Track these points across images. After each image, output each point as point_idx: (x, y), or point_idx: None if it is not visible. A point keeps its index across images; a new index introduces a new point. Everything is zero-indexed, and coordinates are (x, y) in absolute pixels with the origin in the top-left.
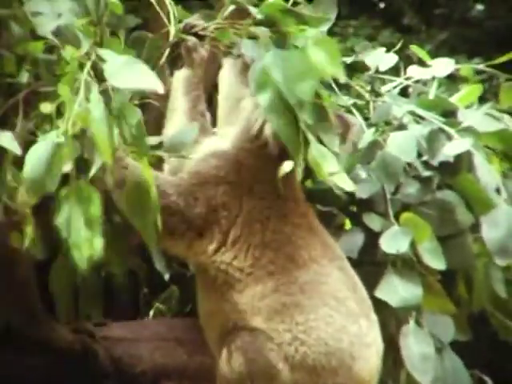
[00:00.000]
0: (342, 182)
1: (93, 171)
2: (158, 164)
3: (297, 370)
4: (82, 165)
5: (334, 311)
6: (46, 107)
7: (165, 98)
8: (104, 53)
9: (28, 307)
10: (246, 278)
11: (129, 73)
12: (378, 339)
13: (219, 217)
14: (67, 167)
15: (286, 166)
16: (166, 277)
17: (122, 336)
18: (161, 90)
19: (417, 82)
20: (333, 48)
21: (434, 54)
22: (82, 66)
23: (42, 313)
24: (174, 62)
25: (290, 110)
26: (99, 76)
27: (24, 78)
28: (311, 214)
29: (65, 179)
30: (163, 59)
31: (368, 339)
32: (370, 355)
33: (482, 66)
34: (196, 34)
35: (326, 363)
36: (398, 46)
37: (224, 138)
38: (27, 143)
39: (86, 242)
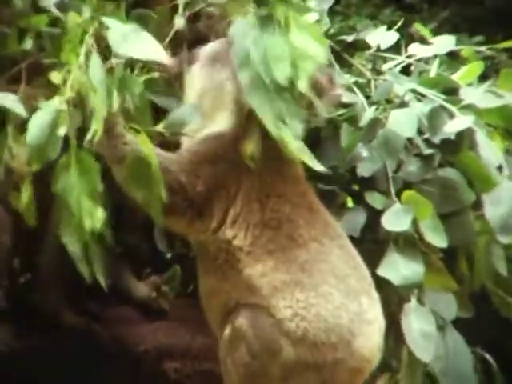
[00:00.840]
0: (309, 160)
1: (88, 136)
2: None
3: (298, 345)
4: (84, 135)
5: (334, 289)
6: (56, 77)
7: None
8: (107, 20)
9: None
10: (245, 257)
11: (134, 41)
12: (379, 317)
13: (219, 195)
14: (63, 131)
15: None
16: (168, 256)
17: (124, 316)
18: (166, 60)
19: (418, 60)
20: (316, 32)
21: (435, 33)
22: (85, 34)
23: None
24: (178, 43)
25: (269, 90)
26: (102, 47)
27: (28, 45)
28: (311, 193)
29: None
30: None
31: (369, 316)
32: (371, 332)
33: (483, 48)
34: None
35: (326, 339)
36: (399, 24)
37: (218, 123)
38: (30, 110)
39: (87, 214)
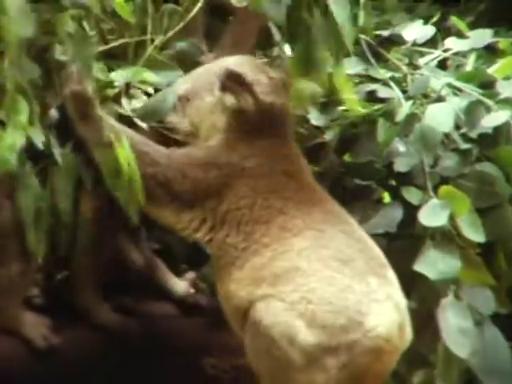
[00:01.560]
0: None
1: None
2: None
3: (311, 327)
4: None
5: (337, 273)
6: None
7: None
8: None
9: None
10: (242, 254)
11: None
12: (394, 295)
13: (208, 196)
14: None
15: None
16: (205, 252)
17: (161, 312)
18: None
19: (455, 54)
20: None
21: (472, 26)
22: None
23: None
24: (211, 34)
25: None
26: None
27: None
28: (308, 187)
29: None
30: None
31: (379, 295)
32: (385, 311)
33: None
34: None
35: (334, 321)
36: (436, 17)
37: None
38: None
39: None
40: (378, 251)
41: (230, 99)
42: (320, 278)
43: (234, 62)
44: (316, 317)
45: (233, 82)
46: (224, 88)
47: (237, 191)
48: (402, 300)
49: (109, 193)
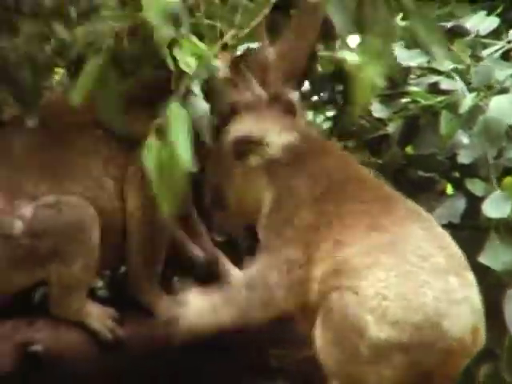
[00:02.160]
0: None
1: None
2: None
3: (382, 323)
4: None
5: (416, 268)
6: None
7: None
8: None
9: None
10: (327, 255)
11: None
12: (472, 298)
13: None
14: None
15: None
16: None
17: None
18: None
19: None
20: None
21: None
22: None
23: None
24: (274, 30)
25: None
26: None
27: None
28: (379, 187)
29: None
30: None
31: (458, 295)
32: (462, 313)
33: None
34: None
35: (409, 317)
36: (500, 9)
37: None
38: None
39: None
40: (457, 250)
41: (253, 160)
42: (399, 273)
43: (235, 130)
44: (388, 313)
45: (244, 145)
46: (240, 156)
47: (319, 219)
48: (479, 304)
49: None
